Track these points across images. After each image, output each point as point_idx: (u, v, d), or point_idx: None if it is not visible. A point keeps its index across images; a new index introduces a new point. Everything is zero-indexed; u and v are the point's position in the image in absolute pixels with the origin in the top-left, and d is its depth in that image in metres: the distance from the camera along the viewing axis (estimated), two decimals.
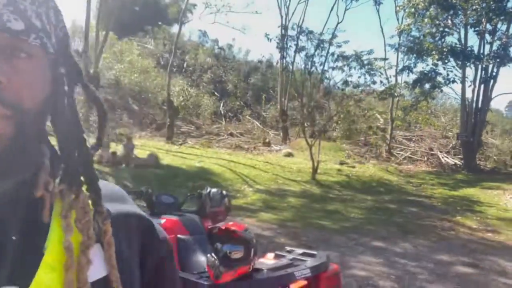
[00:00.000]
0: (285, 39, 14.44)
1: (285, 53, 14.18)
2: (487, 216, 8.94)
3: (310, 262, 1.89)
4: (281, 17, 19.07)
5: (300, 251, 2.19)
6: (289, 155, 15.74)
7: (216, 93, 26.64)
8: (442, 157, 18.46)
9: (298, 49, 12.33)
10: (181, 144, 16.40)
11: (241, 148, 17.69)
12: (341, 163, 14.81)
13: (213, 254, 1.64)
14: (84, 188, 0.52)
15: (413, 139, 20.94)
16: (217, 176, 10.31)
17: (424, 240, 6.30)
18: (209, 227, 1.77)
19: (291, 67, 16.28)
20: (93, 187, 0.52)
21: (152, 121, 20.97)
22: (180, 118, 20.85)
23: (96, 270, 0.49)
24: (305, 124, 13.15)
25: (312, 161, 11.68)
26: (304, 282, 1.84)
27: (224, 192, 2.66)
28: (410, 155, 18.91)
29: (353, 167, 14.64)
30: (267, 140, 19.36)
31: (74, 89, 0.54)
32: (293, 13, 24.19)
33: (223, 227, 1.68)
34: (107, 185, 0.59)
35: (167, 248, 0.63)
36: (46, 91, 0.49)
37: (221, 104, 25.59)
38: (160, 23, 30.31)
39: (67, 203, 0.49)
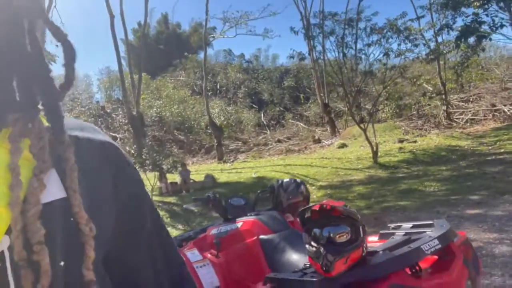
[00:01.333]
0: (311, 28, 13.97)
1: (313, 43, 13.66)
2: None
3: (432, 232, 1.48)
4: (300, 11, 18.73)
5: (409, 224, 1.79)
6: (342, 146, 15.09)
7: (254, 105, 26.65)
8: (508, 110, 16.85)
9: (327, 34, 11.76)
10: (233, 161, 16.36)
11: (293, 151, 17.30)
12: (401, 141, 13.91)
13: (312, 243, 1.31)
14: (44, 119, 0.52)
15: (471, 100, 19.39)
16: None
17: None
18: (301, 209, 1.43)
19: (322, 57, 15.71)
20: (53, 116, 0.52)
21: (200, 146, 21.26)
22: (226, 137, 20.96)
23: (52, 193, 0.48)
24: (353, 111, 12.49)
25: (370, 145, 11.02)
26: (434, 258, 1.44)
27: (298, 180, 2.33)
28: (472, 117, 17.49)
29: (415, 141, 13.69)
30: (316, 137, 18.81)
31: (35, 25, 0.51)
32: (311, 4, 23.84)
33: (317, 207, 1.35)
34: (76, 120, 0.60)
35: (141, 185, 0.62)
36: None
37: (262, 115, 25.51)
38: (186, 53, 31.15)
39: (17, 129, 0.48)
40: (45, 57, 0.53)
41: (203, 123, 21.52)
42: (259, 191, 2.54)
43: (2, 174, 0.46)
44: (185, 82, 28.59)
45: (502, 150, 10.13)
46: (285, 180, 2.32)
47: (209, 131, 19.72)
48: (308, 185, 10.00)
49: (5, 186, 0.45)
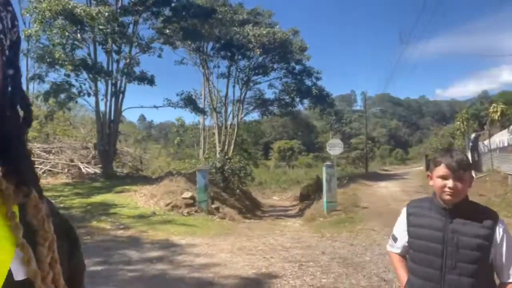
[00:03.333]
0: None
1: None
2: (120, 216, 9.95)
3: None
4: None
5: None
6: None
7: None
8: (83, 168, 18.80)
9: None
10: None
11: None
12: None
13: None
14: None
15: (53, 151, 20.05)
16: None
17: None
18: None
19: None
20: (37, 185, 0.58)
21: None
22: None
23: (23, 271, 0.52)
24: None
25: None
26: None
27: None
28: (50, 168, 17.99)
29: None
30: None
31: (18, 92, 0.57)
32: None
33: None
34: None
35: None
36: None
37: None
38: None
39: (13, 203, 0.53)
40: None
41: None
42: None
43: None
44: None
45: (62, 206, 10.96)
46: None
47: None
48: None
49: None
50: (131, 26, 17.94)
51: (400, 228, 1.94)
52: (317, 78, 24.72)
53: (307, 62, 25.18)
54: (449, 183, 1.70)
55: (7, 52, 0.55)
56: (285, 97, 25.64)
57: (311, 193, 21.14)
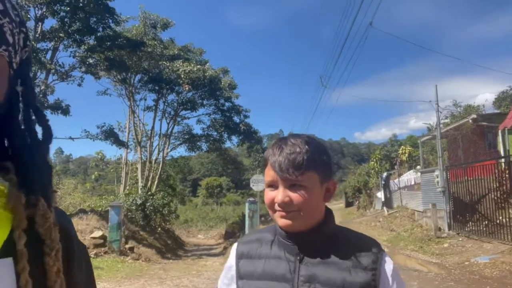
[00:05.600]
0: None
1: None
2: None
3: None
4: None
5: None
6: None
7: None
8: None
9: None
10: None
11: None
12: None
13: None
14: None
15: None
16: None
17: None
18: None
19: None
20: (48, 196, 0.60)
21: None
22: None
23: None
24: None
25: None
26: None
27: None
28: None
29: None
30: None
31: (30, 109, 0.61)
32: None
33: None
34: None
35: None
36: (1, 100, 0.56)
37: None
38: None
39: (21, 213, 0.55)
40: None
41: None
42: None
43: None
44: None
45: None
46: None
47: None
48: None
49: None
50: (49, 52, 16.85)
51: (225, 281, 1.12)
52: (246, 116, 25.25)
53: (236, 100, 25.73)
54: (278, 194, 0.97)
55: (14, 66, 0.58)
56: (213, 133, 25.64)
57: (236, 231, 20.88)
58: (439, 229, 12.16)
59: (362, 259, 0.97)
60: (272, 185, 0.99)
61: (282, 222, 0.98)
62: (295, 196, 0.95)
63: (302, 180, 0.95)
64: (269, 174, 0.99)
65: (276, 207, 0.98)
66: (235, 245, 1.13)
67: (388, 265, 0.99)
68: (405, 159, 27.43)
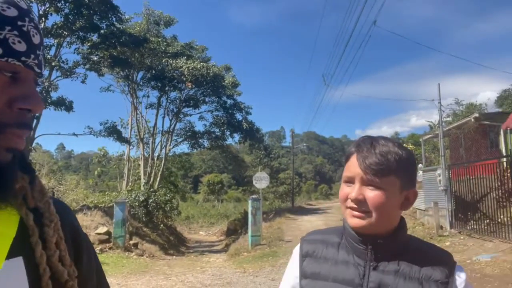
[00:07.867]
0: None
1: None
2: None
3: None
4: None
5: None
6: None
7: None
8: None
9: None
10: None
11: None
12: None
13: None
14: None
15: None
16: None
17: None
18: None
19: None
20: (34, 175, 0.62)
21: None
22: None
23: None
24: None
25: None
26: None
27: None
28: None
29: None
30: None
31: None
32: None
33: None
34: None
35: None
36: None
37: None
38: None
39: (28, 193, 0.59)
40: None
41: None
42: None
43: None
44: None
45: None
46: None
47: None
48: None
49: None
50: (53, 48, 16.90)
51: (290, 280, 1.10)
52: (248, 113, 25.29)
53: (238, 97, 25.76)
54: (354, 190, 0.96)
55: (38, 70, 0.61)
56: (215, 130, 25.69)
57: (238, 228, 20.96)
58: (441, 227, 12.23)
59: (435, 272, 0.95)
60: (349, 181, 0.98)
61: (351, 220, 0.97)
62: (370, 195, 0.93)
63: (382, 182, 0.93)
64: (350, 169, 0.98)
65: (349, 203, 0.97)
66: (298, 246, 1.12)
67: (461, 280, 0.96)
68: None
